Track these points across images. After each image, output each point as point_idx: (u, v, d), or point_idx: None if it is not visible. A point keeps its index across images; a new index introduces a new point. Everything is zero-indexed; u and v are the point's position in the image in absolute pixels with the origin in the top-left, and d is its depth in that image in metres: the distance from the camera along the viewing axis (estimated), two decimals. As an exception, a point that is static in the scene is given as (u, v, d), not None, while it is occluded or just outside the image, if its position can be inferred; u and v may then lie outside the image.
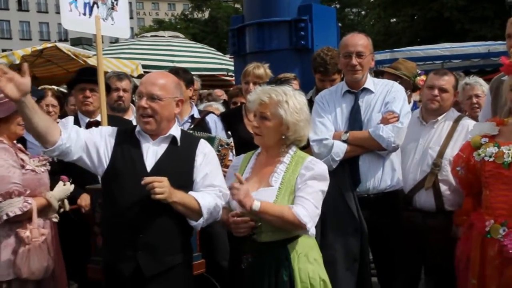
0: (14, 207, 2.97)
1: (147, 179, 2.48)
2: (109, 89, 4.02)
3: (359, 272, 3.32)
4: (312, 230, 2.60)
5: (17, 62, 7.08)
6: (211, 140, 3.61)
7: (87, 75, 4.00)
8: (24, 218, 3.03)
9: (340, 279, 3.17)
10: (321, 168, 2.71)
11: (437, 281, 3.75)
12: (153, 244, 2.62)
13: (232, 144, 3.68)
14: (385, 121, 3.39)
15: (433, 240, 3.53)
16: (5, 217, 2.95)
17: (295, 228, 2.61)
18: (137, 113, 2.70)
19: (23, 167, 3.09)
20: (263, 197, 2.58)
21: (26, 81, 2.36)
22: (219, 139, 3.67)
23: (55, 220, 3.27)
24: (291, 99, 2.65)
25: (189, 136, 2.91)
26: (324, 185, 2.69)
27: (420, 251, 3.65)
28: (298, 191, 2.62)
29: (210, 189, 2.74)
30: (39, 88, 5.09)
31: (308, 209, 2.57)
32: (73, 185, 3.34)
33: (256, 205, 2.48)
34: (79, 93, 3.95)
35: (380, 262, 3.67)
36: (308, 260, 2.67)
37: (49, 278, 3.13)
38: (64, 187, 3.30)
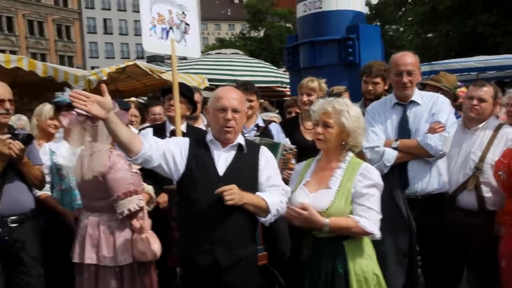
0: (133, 203, 3.06)
1: (218, 190, 2.51)
2: (195, 105, 4.14)
3: (408, 266, 3.25)
4: (378, 235, 2.60)
5: (104, 78, 7.25)
6: (276, 146, 3.60)
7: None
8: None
9: (391, 273, 3.09)
10: (378, 175, 2.68)
11: (479, 276, 3.62)
12: (227, 238, 2.63)
13: (295, 150, 3.63)
14: (432, 130, 3.31)
15: (475, 237, 3.38)
16: (126, 212, 3.03)
17: (362, 235, 2.63)
18: (219, 124, 2.67)
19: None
20: (322, 198, 2.59)
21: (107, 100, 2.37)
22: (283, 145, 3.65)
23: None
24: (351, 109, 2.65)
25: (252, 144, 2.90)
26: (380, 191, 2.67)
27: (463, 248, 3.49)
28: (360, 199, 2.59)
29: (274, 189, 2.75)
30: (124, 100, 5.20)
31: (372, 218, 2.56)
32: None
33: (326, 225, 2.51)
34: (167, 101, 4.07)
35: (425, 257, 3.58)
36: (362, 255, 2.62)
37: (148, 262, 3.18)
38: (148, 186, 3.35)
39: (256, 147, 2.86)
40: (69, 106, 3.62)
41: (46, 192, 3.68)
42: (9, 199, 3.19)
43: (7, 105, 3.22)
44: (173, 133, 3.86)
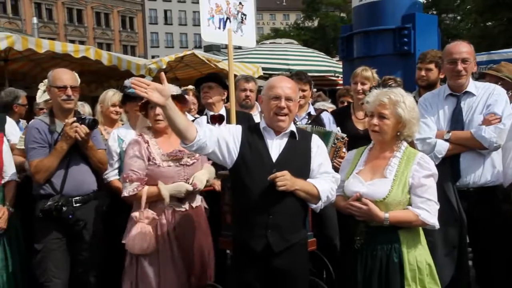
0: (126, 189, 3.08)
1: (271, 176, 2.53)
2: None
3: (458, 257, 3.16)
4: (438, 226, 2.57)
5: (164, 67, 7.42)
6: (328, 135, 3.58)
7: (207, 76, 4.27)
8: (153, 201, 3.10)
9: (440, 263, 2.97)
10: (434, 166, 2.61)
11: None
12: (280, 224, 2.64)
13: (347, 138, 3.59)
14: (487, 122, 3.16)
15: None
16: (124, 194, 3.08)
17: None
18: (272, 111, 2.67)
19: (149, 159, 3.13)
20: (378, 187, 2.55)
21: (166, 87, 2.41)
22: (335, 134, 3.62)
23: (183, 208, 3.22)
24: (406, 99, 2.58)
25: (304, 132, 2.89)
26: (436, 180, 2.62)
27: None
28: (419, 190, 2.54)
29: (325, 176, 2.76)
30: (182, 89, 5.31)
31: (431, 210, 2.52)
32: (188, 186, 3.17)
33: (386, 219, 2.48)
34: (202, 90, 4.17)
35: (476, 250, 3.44)
36: (416, 244, 2.58)
37: (154, 256, 3.12)
38: (179, 185, 3.14)
39: (308, 135, 2.86)
40: (140, 99, 3.78)
41: (116, 177, 3.78)
42: (74, 180, 3.35)
43: (69, 91, 3.35)
44: (212, 118, 3.98)
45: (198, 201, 3.31)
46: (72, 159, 3.35)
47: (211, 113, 4.06)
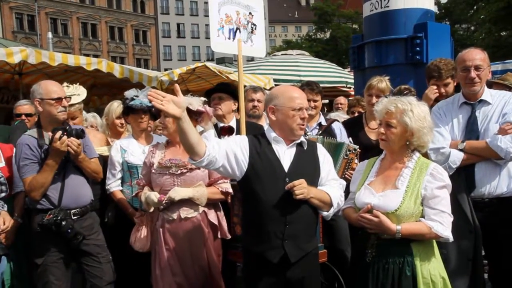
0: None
1: (289, 185, 2.53)
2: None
3: (473, 270, 3.06)
4: (451, 239, 2.50)
5: (175, 78, 7.45)
6: (340, 146, 3.54)
7: (218, 87, 4.19)
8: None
9: (454, 276, 2.89)
10: (447, 176, 2.55)
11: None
12: (296, 233, 2.62)
13: (359, 150, 3.54)
14: (503, 131, 3.06)
15: None
16: None
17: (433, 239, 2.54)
18: (295, 123, 2.66)
19: (150, 167, 3.27)
20: (390, 198, 2.49)
21: (181, 99, 2.38)
22: (347, 145, 3.58)
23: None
24: (415, 108, 2.52)
25: (308, 141, 2.87)
26: (449, 191, 2.55)
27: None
28: (432, 201, 2.48)
29: (333, 182, 2.78)
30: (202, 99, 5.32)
31: (445, 222, 2.46)
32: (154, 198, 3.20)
33: (398, 232, 2.43)
34: (212, 101, 4.08)
35: (492, 261, 3.34)
36: (429, 257, 2.51)
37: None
38: (150, 194, 3.20)
39: (313, 144, 2.86)
40: (142, 111, 3.79)
41: (118, 188, 3.84)
42: (71, 193, 3.33)
43: (65, 102, 3.35)
44: (222, 130, 3.93)
45: (193, 213, 3.22)
46: (68, 171, 3.34)
47: (221, 124, 4.03)
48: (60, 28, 46.94)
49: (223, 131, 3.92)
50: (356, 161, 3.55)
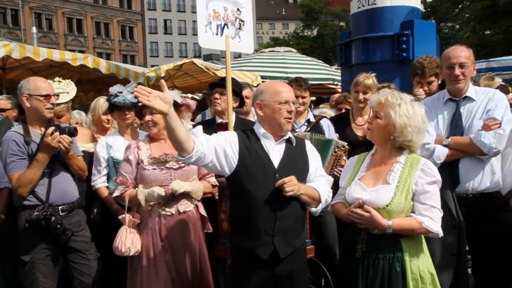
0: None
1: (279, 182, 2.53)
2: (242, 99, 4.07)
3: (457, 265, 3.10)
4: (441, 234, 2.52)
5: (162, 75, 7.42)
6: (328, 143, 3.55)
7: (222, 81, 4.07)
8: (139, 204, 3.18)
9: (438, 271, 2.88)
10: (437, 172, 2.55)
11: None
12: (286, 229, 2.63)
13: (347, 147, 3.56)
14: (486, 127, 3.12)
15: None
16: None
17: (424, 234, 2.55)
18: (282, 117, 2.66)
19: (138, 163, 3.22)
20: (381, 193, 2.49)
21: (167, 94, 2.38)
22: (336, 142, 3.59)
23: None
24: (405, 104, 2.51)
25: (296, 137, 2.88)
26: (439, 187, 2.57)
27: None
28: (422, 197, 2.48)
29: (321, 178, 2.80)
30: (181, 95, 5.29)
31: (435, 217, 2.47)
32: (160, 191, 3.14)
33: (389, 228, 2.43)
34: (213, 95, 4.03)
35: (476, 256, 3.40)
36: (418, 253, 2.53)
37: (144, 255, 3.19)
38: (153, 189, 3.14)
39: (301, 140, 2.87)
40: (126, 107, 3.77)
41: (104, 184, 3.80)
42: (58, 189, 3.31)
43: (53, 100, 3.33)
44: (219, 126, 3.87)
45: (189, 206, 3.25)
46: (54, 168, 3.31)
47: (219, 120, 3.99)
48: (44, 23, 46.32)
49: (220, 128, 3.84)
50: (344, 158, 3.56)
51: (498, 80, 6.18)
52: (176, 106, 3.21)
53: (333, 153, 3.53)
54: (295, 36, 45.84)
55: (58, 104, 3.89)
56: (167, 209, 3.18)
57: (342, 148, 3.56)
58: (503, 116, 3.13)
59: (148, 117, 3.23)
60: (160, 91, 2.39)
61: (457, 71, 3.21)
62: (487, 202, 3.19)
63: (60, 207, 3.29)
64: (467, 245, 3.28)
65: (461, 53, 3.24)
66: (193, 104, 3.34)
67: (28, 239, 3.23)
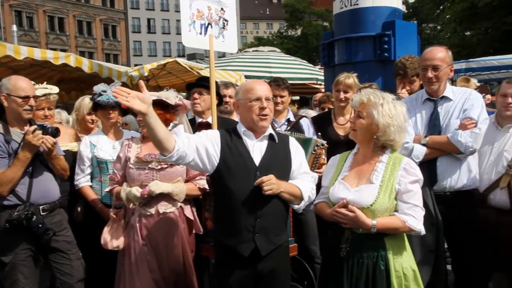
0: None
1: (257, 181, 2.54)
2: (221, 98, 4.07)
3: (435, 261, 3.16)
4: (424, 232, 2.55)
5: (146, 74, 7.37)
6: (308, 142, 3.58)
7: (199, 82, 4.10)
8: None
9: (418, 267, 2.98)
10: (419, 171, 2.59)
11: (509, 276, 3.46)
12: (267, 226, 2.64)
13: (326, 145, 3.60)
14: (463, 127, 3.19)
15: (506, 236, 3.25)
16: None
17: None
18: (255, 113, 2.67)
19: (126, 161, 3.25)
20: (365, 193, 2.51)
21: (146, 95, 2.38)
22: (315, 140, 3.61)
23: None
24: (387, 104, 2.54)
25: (281, 134, 2.90)
26: (421, 186, 2.61)
27: (494, 247, 3.35)
28: (405, 196, 2.51)
29: (305, 176, 2.80)
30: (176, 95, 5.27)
31: (418, 216, 2.50)
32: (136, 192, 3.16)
33: (374, 227, 2.45)
34: (191, 95, 4.02)
35: (454, 253, 3.46)
36: (401, 251, 2.56)
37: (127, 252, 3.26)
38: (132, 189, 3.18)
39: (286, 137, 2.88)
40: (110, 106, 3.76)
41: (87, 183, 3.79)
42: (40, 189, 3.27)
43: (32, 102, 3.27)
44: (200, 125, 3.88)
45: (171, 208, 3.24)
46: (35, 167, 3.28)
47: (200, 119, 3.99)
48: (25, 21, 45.64)
49: (201, 127, 3.84)
50: (323, 156, 3.60)
51: (474, 81, 6.31)
52: (173, 106, 3.23)
53: (313, 152, 3.55)
54: (279, 36, 46.05)
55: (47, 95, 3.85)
56: (146, 208, 3.19)
57: (321, 147, 3.58)
58: (479, 115, 3.20)
59: (138, 118, 3.29)
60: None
61: (430, 73, 3.28)
62: (464, 200, 3.26)
63: (41, 207, 3.26)
64: (446, 242, 3.34)
65: (437, 55, 3.31)
66: (188, 104, 3.33)
67: (9, 239, 3.18)
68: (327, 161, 3.62)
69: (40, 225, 3.16)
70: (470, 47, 20.32)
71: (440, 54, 3.31)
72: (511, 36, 18.14)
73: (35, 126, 3.18)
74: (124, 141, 3.39)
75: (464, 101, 3.28)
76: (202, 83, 3.97)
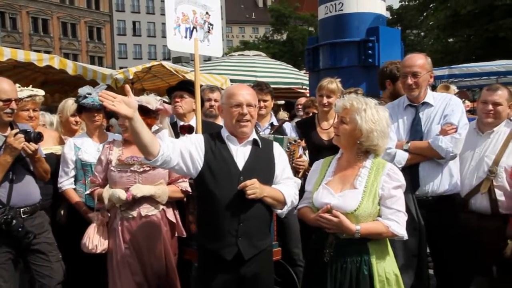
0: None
1: (241, 185, 2.55)
2: (202, 101, 4.06)
3: (418, 266, 3.19)
4: (406, 237, 2.57)
5: (131, 77, 7.33)
6: (280, 140, 3.58)
7: (180, 85, 4.10)
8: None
9: (400, 272, 3.00)
10: (402, 176, 2.61)
11: (490, 280, 3.48)
12: (250, 231, 2.65)
13: (299, 140, 3.60)
14: (444, 132, 3.24)
15: (487, 241, 3.28)
16: None
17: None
18: (234, 119, 2.67)
19: (108, 164, 3.24)
20: (348, 199, 2.51)
21: (132, 99, 2.37)
22: (287, 138, 3.61)
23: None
24: (370, 109, 2.55)
25: (265, 139, 2.91)
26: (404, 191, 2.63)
27: (475, 251, 3.39)
28: (388, 201, 2.52)
29: (288, 181, 2.81)
30: (159, 99, 5.24)
31: (401, 221, 2.52)
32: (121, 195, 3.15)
33: (358, 232, 2.45)
34: (173, 99, 4.00)
35: (436, 257, 3.50)
36: (384, 256, 2.56)
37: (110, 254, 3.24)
38: (115, 191, 3.16)
39: (270, 142, 2.89)
40: (95, 109, 3.74)
41: (71, 186, 3.76)
42: (20, 192, 3.23)
43: (14, 105, 3.23)
44: (182, 128, 3.88)
45: (153, 211, 3.23)
46: (16, 170, 3.23)
47: (181, 123, 3.98)
48: (8, 22, 45.00)
49: (183, 130, 3.87)
50: (300, 151, 3.60)
51: (453, 88, 6.42)
52: (154, 111, 3.21)
53: (287, 149, 3.54)
54: (264, 40, 46.17)
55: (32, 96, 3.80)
56: (128, 211, 3.18)
57: (294, 143, 3.58)
58: (459, 121, 3.26)
59: (120, 121, 3.27)
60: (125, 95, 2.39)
61: (409, 80, 3.32)
62: (446, 204, 3.30)
63: (21, 209, 3.21)
64: (428, 246, 3.38)
65: (416, 62, 3.35)
66: (169, 108, 3.32)
67: None
68: (308, 160, 3.65)
69: (20, 229, 3.12)
70: (452, 54, 20.64)
71: (419, 61, 3.36)
72: (492, 43, 18.47)
73: (17, 130, 3.14)
74: (105, 144, 3.37)
75: (445, 107, 3.33)
76: (183, 85, 3.98)
